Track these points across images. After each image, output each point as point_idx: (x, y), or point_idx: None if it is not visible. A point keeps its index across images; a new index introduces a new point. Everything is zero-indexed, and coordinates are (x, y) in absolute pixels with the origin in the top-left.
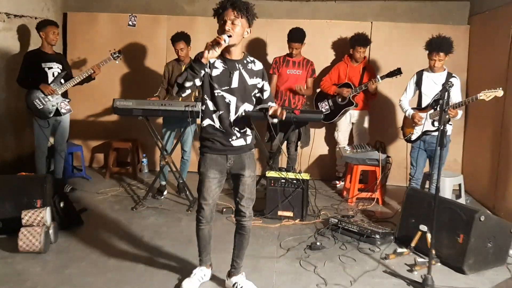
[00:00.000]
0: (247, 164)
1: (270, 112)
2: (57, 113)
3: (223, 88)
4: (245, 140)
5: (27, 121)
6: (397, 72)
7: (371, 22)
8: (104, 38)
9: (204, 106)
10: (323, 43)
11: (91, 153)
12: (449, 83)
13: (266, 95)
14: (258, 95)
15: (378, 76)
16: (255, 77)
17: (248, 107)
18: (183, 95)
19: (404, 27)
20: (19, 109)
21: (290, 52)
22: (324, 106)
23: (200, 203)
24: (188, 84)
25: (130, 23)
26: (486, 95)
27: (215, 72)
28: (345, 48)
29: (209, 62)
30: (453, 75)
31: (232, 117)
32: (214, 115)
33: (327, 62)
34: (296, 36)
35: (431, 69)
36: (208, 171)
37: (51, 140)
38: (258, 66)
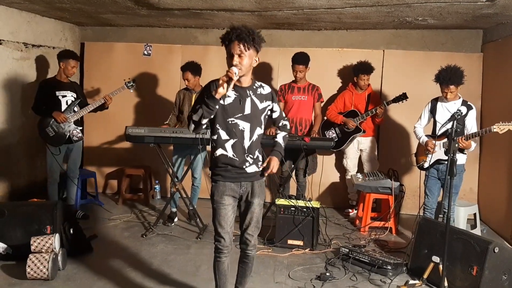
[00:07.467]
0: (257, 192)
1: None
2: (69, 140)
3: (236, 116)
4: (258, 166)
5: (40, 148)
6: (402, 97)
7: (383, 50)
8: (119, 67)
9: (216, 135)
10: (336, 71)
11: (105, 179)
12: (458, 111)
13: (275, 115)
14: (269, 114)
15: (384, 102)
16: (265, 100)
17: (260, 131)
18: (201, 131)
19: (416, 55)
20: (33, 136)
21: (295, 76)
22: (331, 134)
23: (219, 232)
24: (204, 121)
25: (145, 52)
26: (500, 128)
27: (227, 101)
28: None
29: None
30: (468, 103)
31: (247, 143)
32: (226, 144)
33: (340, 89)
34: (299, 58)
35: (445, 98)
36: (222, 199)
37: (64, 166)
38: (266, 89)
